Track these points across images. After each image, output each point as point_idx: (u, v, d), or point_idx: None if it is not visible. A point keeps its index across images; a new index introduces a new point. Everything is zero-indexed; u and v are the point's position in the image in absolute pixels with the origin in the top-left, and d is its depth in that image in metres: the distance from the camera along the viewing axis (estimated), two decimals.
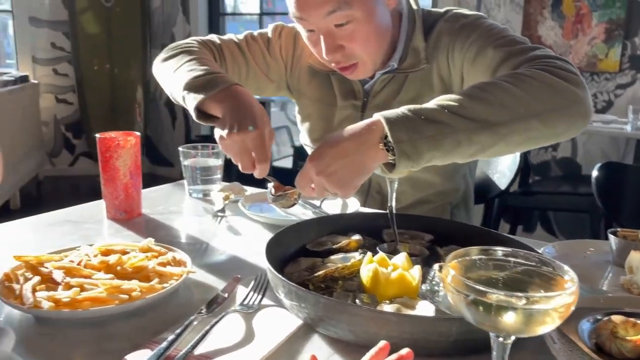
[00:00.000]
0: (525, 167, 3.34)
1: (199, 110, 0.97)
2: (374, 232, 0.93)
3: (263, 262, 0.77)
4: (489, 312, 0.49)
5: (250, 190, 1.34)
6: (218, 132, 0.92)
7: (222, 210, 1.19)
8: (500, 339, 0.51)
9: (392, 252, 0.85)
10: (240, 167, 0.95)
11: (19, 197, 3.98)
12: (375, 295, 0.71)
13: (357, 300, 0.69)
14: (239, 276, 0.83)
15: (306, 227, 0.92)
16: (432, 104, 0.86)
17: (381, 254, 0.77)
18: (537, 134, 0.85)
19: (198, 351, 0.63)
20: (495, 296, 0.49)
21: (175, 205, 1.25)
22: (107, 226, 1.09)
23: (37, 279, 0.74)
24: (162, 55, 1.21)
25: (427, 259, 0.83)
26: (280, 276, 0.69)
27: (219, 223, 1.13)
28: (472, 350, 0.62)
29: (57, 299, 0.70)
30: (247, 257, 0.95)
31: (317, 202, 1.21)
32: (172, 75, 1.09)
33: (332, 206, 1.22)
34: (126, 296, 0.71)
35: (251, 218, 1.14)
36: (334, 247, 0.86)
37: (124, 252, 0.85)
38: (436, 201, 1.29)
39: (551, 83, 0.87)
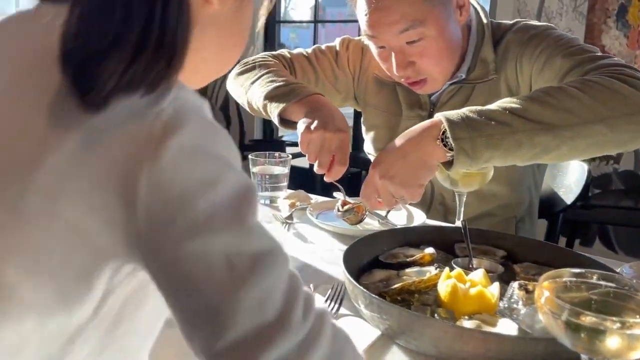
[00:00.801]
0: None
1: (281, 117, 1.02)
2: (445, 246, 0.94)
3: (335, 271, 0.79)
4: (583, 335, 0.50)
5: (315, 198, 1.36)
6: (302, 125, 0.96)
7: (290, 217, 1.22)
8: None
9: (466, 267, 0.86)
10: (316, 166, 0.99)
11: None
12: (453, 311, 0.72)
13: (435, 315, 0.70)
14: (314, 284, 0.85)
15: (378, 239, 0.93)
16: (494, 105, 0.87)
17: (458, 270, 0.78)
18: (603, 139, 0.84)
19: None
20: (589, 319, 0.50)
21: None
22: None
23: None
24: (237, 69, 1.26)
25: (502, 276, 0.83)
26: (361, 288, 0.70)
27: (287, 230, 1.16)
28: None
29: None
30: (318, 266, 0.97)
31: (383, 213, 1.23)
32: (250, 86, 1.13)
33: (398, 217, 1.23)
34: None
35: (318, 226, 1.16)
36: (408, 260, 0.87)
37: None
38: (501, 214, 1.28)
39: (619, 89, 0.86)
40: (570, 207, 1.60)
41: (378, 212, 1.23)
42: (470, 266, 0.87)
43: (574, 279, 0.56)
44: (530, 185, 1.32)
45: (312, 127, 0.95)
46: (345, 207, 1.13)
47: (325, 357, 0.42)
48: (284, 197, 1.33)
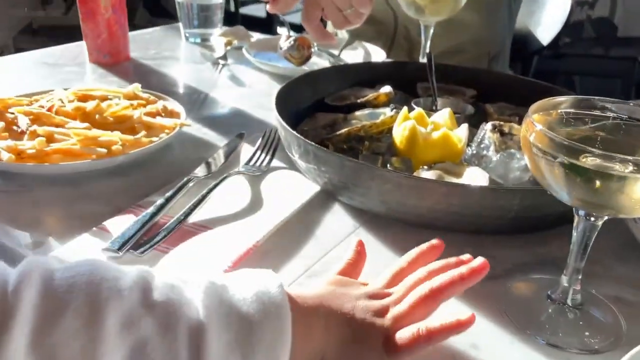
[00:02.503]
0: None
1: None
2: (405, 85, 0.78)
3: (272, 118, 0.63)
4: (583, 182, 0.36)
5: (256, 36, 1.15)
6: None
7: (224, 57, 1.01)
8: (591, 219, 0.38)
9: (429, 109, 0.70)
10: None
11: (12, 45, 3.75)
12: (410, 160, 0.57)
13: (387, 165, 0.56)
14: (244, 132, 0.69)
15: (324, 76, 0.76)
16: None
17: (419, 110, 0.63)
18: None
19: (193, 219, 0.51)
20: (594, 160, 0.36)
21: (170, 50, 1.07)
22: (90, 70, 0.93)
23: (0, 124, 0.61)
24: None
25: (471, 118, 0.69)
26: (294, 133, 0.54)
27: (219, 72, 0.97)
28: (532, 228, 0.50)
29: (20, 150, 0.57)
30: (252, 111, 0.80)
31: (335, 51, 1.04)
32: None
33: (353, 56, 1.04)
34: (104, 150, 0.58)
35: (258, 67, 0.97)
36: (359, 101, 0.71)
37: (105, 99, 0.71)
38: (472, 50, 1.11)
39: None
40: (547, 48, 1.44)
41: (330, 50, 1.04)
42: (434, 107, 0.72)
43: (573, 110, 0.41)
44: (505, 16, 1.13)
45: None
46: (287, 42, 0.93)
47: None
48: (219, 34, 1.11)
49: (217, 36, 1.10)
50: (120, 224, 0.50)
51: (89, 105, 0.65)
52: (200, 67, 0.99)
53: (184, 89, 0.89)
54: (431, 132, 0.59)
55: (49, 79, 0.87)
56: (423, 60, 0.94)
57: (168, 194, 0.53)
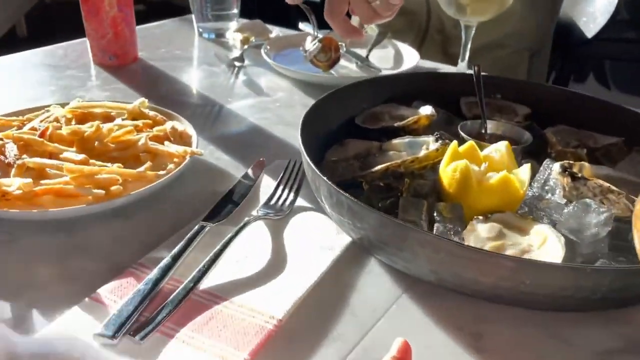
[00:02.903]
0: None
1: None
2: (447, 100, 0.68)
3: (295, 138, 0.54)
4: None
5: (275, 31, 1.05)
6: None
7: (240, 58, 0.92)
8: None
9: (478, 136, 0.61)
10: None
11: (24, 23, 3.67)
12: (460, 206, 0.48)
13: (435, 214, 0.47)
14: (263, 159, 0.61)
15: (354, 91, 0.66)
16: None
17: (470, 143, 0.53)
18: None
19: (204, 284, 0.43)
20: None
21: (182, 47, 0.98)
22: (94, 74, 0.85)
23: None
24: None
25: (529, 148, 0.59)
26: (326, 180, 0.45)
27: (235, 76, 0.87)
28: (619, 306, 0.41)
29: (4, 192, 0.49)
30: (272, 128, 0.71)
31: (362, 52, 0.94)
32: None
33: (383, 58, 0.94)
34: (102, 191, 0.50)
35: (277, 71, 0.88)
36: (396, 125, 0.61)
37: (107, 117, 0.63)
38: (513, 45, 1.01)
39: None
40: (590, 41, 1.32)
41: (357, 52, 0.94)
42: (484, 130, 0.62)
43: None
44: (548, 5, 1.03)
45: None
46: (312, 44, 0.83)
47: None
48: (235, 29, 1.02)
49: (233, 32, 1.01)
50: (118, 293, 0.42)
51: (88, 129, 0.57)
52: (215, 70, 0.90)
53: (196, 99, 0.80)
54: (486, 172, 0.50)
55: (49, 85, 0.79)
56: (462, 65, 0.85)
57: (175, 250, 0.45)
